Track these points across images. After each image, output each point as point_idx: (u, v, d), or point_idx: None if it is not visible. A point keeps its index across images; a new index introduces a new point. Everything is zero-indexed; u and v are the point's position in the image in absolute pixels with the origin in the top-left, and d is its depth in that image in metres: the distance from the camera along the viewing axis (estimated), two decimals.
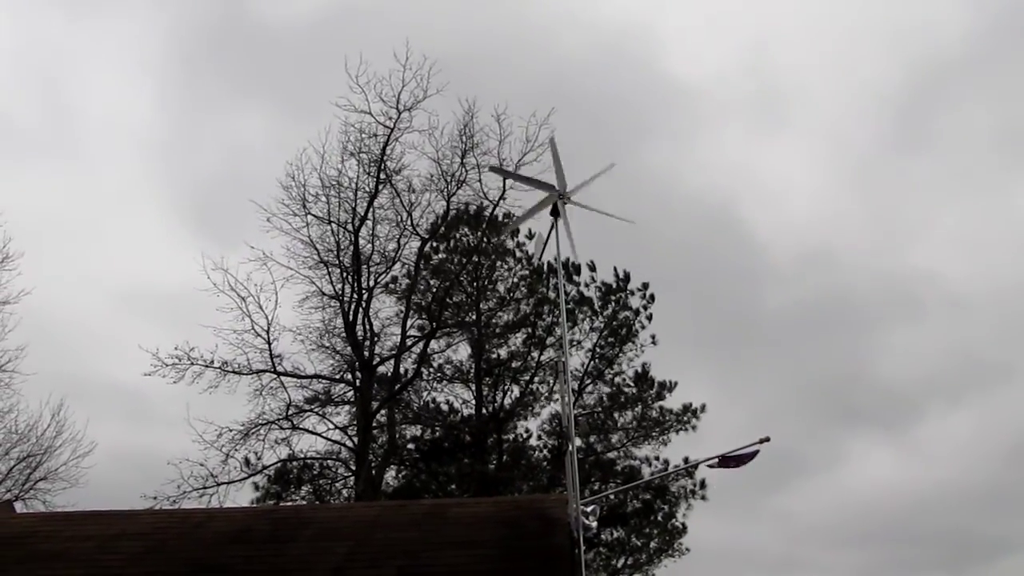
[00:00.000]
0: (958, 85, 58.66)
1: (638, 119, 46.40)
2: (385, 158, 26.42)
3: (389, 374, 27.74)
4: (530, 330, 28.77)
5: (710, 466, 12.34)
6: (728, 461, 12.13)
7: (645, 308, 29.20)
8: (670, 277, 32.79)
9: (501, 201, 27.27)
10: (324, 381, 27.08)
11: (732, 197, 51.31)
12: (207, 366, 25.32)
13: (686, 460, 27.06)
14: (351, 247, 26.97)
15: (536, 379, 28.94)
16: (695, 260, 41.98)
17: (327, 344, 27.08)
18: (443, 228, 28.36)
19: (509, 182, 25.61)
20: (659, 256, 36.47)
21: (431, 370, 28.99)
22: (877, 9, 59.98)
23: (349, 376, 27.29)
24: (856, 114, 58.28)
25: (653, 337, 29.00)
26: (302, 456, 27.04)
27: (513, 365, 28.81)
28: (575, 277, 29.22)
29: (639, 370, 29.02)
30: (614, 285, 29.35)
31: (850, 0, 60.75)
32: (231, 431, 25.25)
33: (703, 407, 28.88)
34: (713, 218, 45.96)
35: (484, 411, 28.74)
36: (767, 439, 11.80)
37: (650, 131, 46.83)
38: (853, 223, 55.25)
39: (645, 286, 29.25)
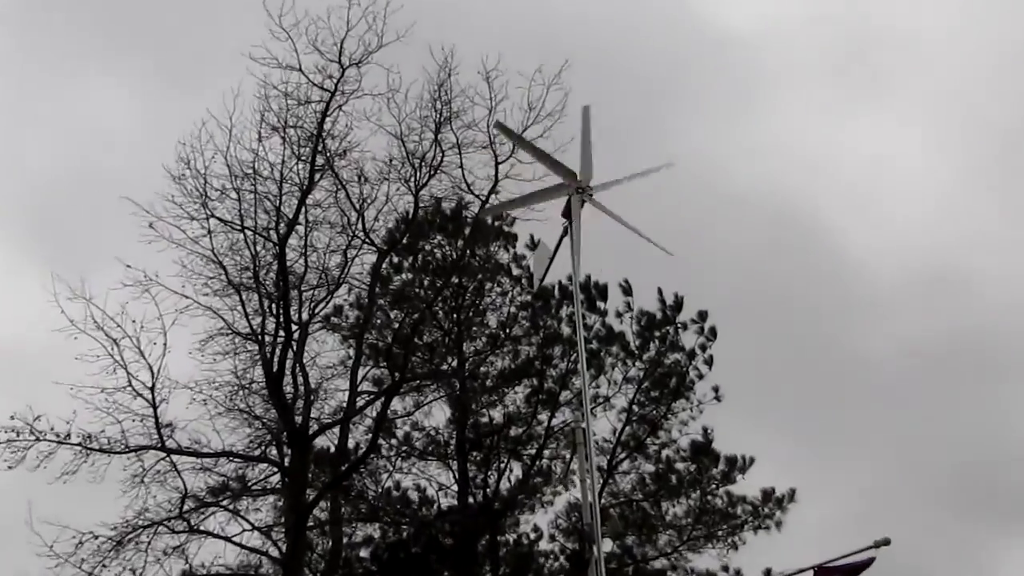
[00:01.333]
0: None
1: (674, 83, 40.68)
2: (324, 135, 22.99)
3: (332, 449, 24.53)
4: (536, 381, 25.00)
5: None
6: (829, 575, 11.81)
7: (703, 348, 24.63)
8: (723, 308, 27.18)
9: (493, 195, 22.69)
10: (237, 460, 23.59)
11: (811, 195, 45.12)
12: (60, 442, 21.66)
13: (767, 573, 23.25)
14: (275, 263, 23.30)
15: (546, 453, 25.15)
16: (759, 285, 36.38)
17: (241, 406, 23.58)
18: (408, 235, 24.68)
19: (506, 166, 21.74)
20: (706, 278, 31.44)
21: (394, 442, 25.45)
22: None
23: (274, 453, 23.87)
24: (992, 78, 50.28)
25: (716, 390, 24.41)
26: (204, 572, 23.26)
27: (512, 433, 25.14)
28: (600, 304, 24.93)
29: (697, 439, 24.64)
30: (658, 316, 24.83)
31: None
32: (97, 538, 21.55)
33: (792, 494, 24.26)
34: (783, 225, 40.02)
35: (471, 500, 24.96)
36: (886, 542, 11.74)
37: (690, 101, 41.22)
38: (990, 233, 47.71)
39: (702, 316, 24.65)
